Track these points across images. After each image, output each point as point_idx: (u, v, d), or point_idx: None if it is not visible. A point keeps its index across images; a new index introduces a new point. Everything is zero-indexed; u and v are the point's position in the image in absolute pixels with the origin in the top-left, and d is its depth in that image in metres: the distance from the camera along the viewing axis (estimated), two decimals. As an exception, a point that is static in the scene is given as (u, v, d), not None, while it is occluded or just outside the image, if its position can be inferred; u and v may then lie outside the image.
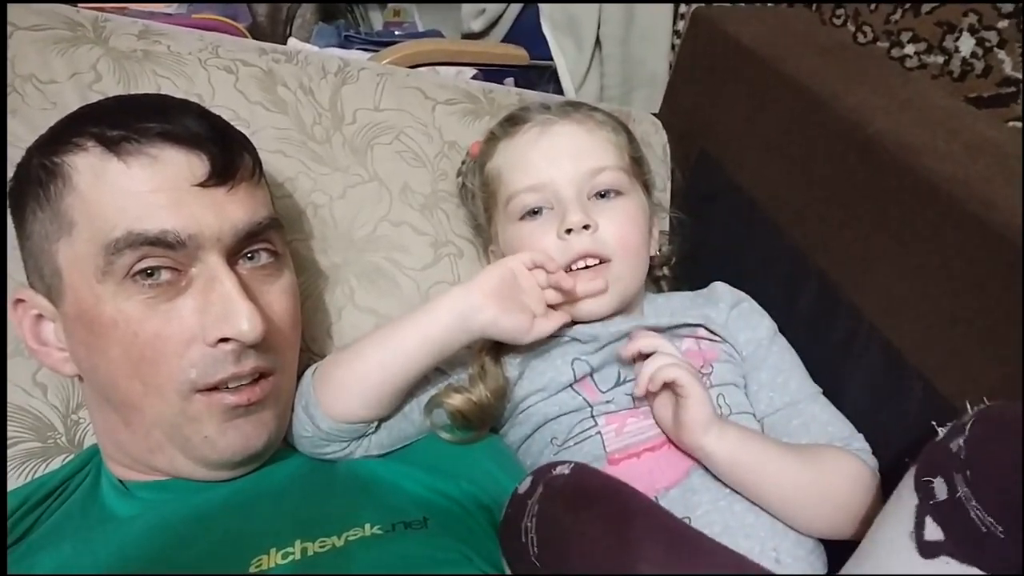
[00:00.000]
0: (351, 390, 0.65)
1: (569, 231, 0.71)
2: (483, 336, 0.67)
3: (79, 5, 0.83)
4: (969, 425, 0.50)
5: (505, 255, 0.78)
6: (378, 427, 0.69)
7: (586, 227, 0.71)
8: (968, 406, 0.53)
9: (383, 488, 0.65)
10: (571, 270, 0.72)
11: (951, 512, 0.49)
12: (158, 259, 0.56)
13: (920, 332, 0.68)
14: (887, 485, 0.66)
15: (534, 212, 0.74)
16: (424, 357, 0.65)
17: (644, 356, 0.68)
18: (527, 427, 0.72)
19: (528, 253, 0.69)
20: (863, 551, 0.56)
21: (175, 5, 1.35)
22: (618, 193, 0.75)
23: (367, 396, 0.65)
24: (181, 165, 0.58)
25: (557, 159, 0.74)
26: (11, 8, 0.76)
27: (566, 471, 0.53)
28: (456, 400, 0.69)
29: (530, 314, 0.67)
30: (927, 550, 0.51)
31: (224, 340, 0.57)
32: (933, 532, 0.50)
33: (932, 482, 0.51)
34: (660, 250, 0.84)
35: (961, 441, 0.49)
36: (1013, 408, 0.50)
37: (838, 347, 0.75)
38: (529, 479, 0.54)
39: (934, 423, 0.53)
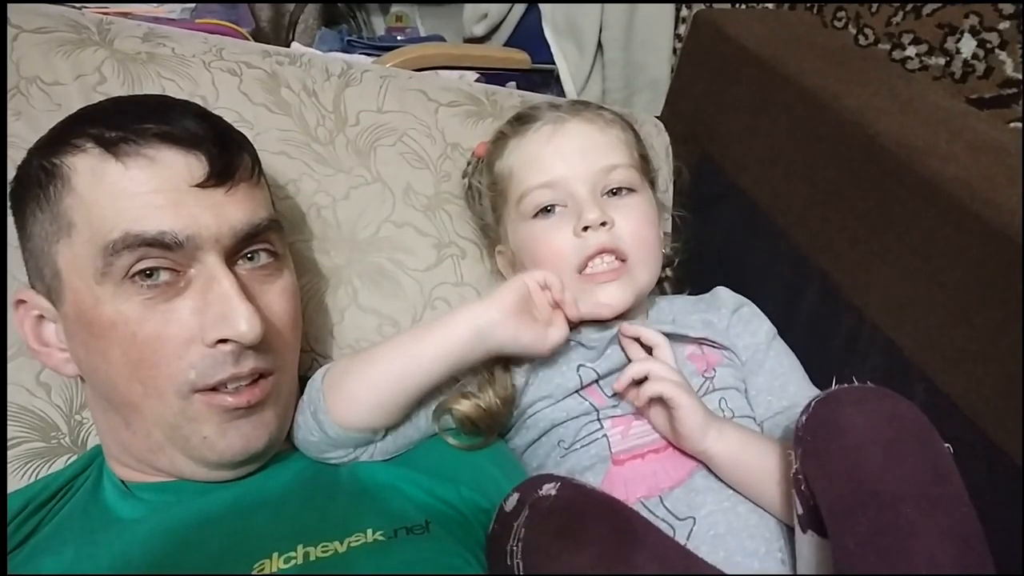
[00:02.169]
0: (362, 399, 0.65)
1: (586, 228, 0.71)
2: (500, 352, 0.67)
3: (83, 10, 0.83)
4: (810, 405, 0.53)
5: (515, 254, 0.79)
6: (385, 435, 0.69)
7: (603, 224, 0.71)
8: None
9: (385, 493, 0.65)
10: (587, 268, 0.72)
11: (797, 486, 0.53)
12: (156, 260, 0.56)
13: (923, 332, 0.68)
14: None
15: (547, 210, 0.74)
16: (439, 369, 0.65)
17: (638, 383, 0.68)
18: (534, 432, 0.73)
19: (540, 273, 0.68)
20: None
21: (179, 9, 1.35)
22: (630, 191, 0.75)
23: (378, 406, 0.65)
24: (179, 166, 0.58)
25: (570, 156, 0.74)
26: (17, 10, 0.76)
27: (552, 491, 0.53)
28: (464, 406, 0.69)
29: (545, 325, 0.67)
30: (800, 523, 0.54)
31: (223, 341, 0.57)
32: (797, 506, 0.54)
33: (791, 454, 0.54)
34: (663, 250, 0.84)
35: (803, 419, 0.52)
36: (847, 392, 0.53)
37: (840, 348, 0.75)
38: (515, 496, 0.54)
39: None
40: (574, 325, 0.73)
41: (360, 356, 0.69)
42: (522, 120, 0.79)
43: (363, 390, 0.65)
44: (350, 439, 0.66)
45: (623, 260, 0.72)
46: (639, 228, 0.73)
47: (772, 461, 0.63)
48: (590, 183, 0.73)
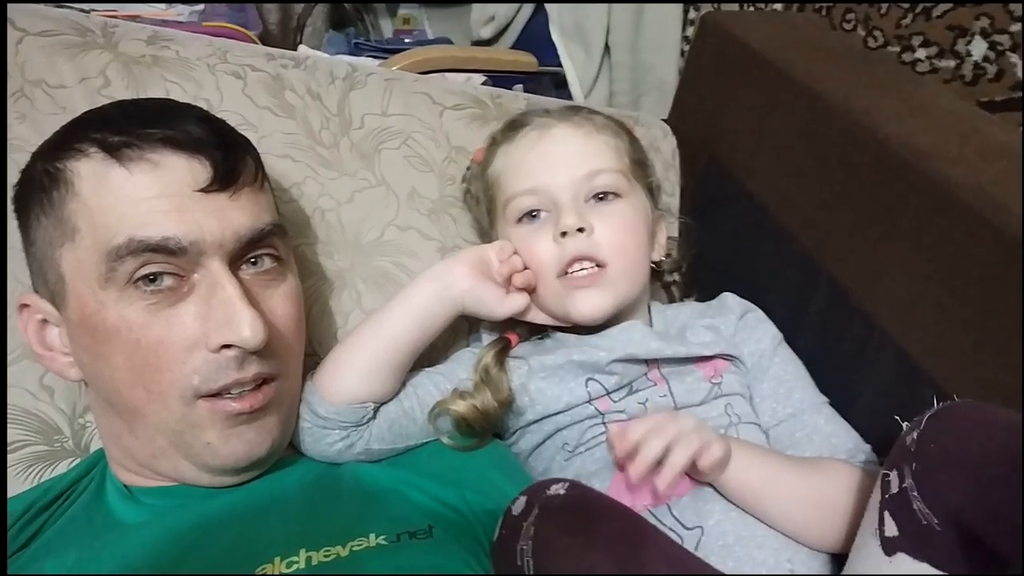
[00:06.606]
0: (344, 367, 0.68)
1: (564, 234, 0.71)
2: (463, 306, 0.71)
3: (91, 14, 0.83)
4: (924, 419, 0.51)
5: None
6: (376, 414, 0.69)
7: (580, 230, 0.71)
8: (935, 401, 0.53)
9: (389, 497, 0.64)
10: (567, 273, 0.72)
11: (901, 506, 0.50)
12: (160, 265, 0.56)
13: (933, 338, 0.67)
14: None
15: (532, 215, 0.74)
16: (411, 326, 0.69)
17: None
18: (539, 435, 0.72)
19: (501, 243, 0.75)
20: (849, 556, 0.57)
21: (187, 12, 1.36)
22: (616, 196, 0.74)
23: (359, 371, 0.67)
24: (183, 171, 0.57)
25: (553, 163, 0.74)
26: (21, 13, 0.76)
27: (561, 491, 0.52)
28: (461, 406, 0.70)
29: (504, 290, 0.72)
30: (887, 546, 0.52)
31: (227, 346, 0.57)
32: (890, 528, 0.51)
33: (889, 475, 0.52)
34: (669, 255, 0.83)
35: (915, 435, 0.51)
36: (968, 406, 0.51)
37: (850, 354, 0.74)
38: (523, 499, 0.54)
39: (897, 417, 0.55)
40: (568, 329, 0.74)
41: (344, 339, 0.72)
42: (511, 126, 0.80)
43: (344, 359, 0.68)
44: (340, 415, 0.66)
45: (602, 266, 0.72)
46: (619, 235, 0.72)
47: (774, 479, 0.63)
48: (572, 189, 0.72)
